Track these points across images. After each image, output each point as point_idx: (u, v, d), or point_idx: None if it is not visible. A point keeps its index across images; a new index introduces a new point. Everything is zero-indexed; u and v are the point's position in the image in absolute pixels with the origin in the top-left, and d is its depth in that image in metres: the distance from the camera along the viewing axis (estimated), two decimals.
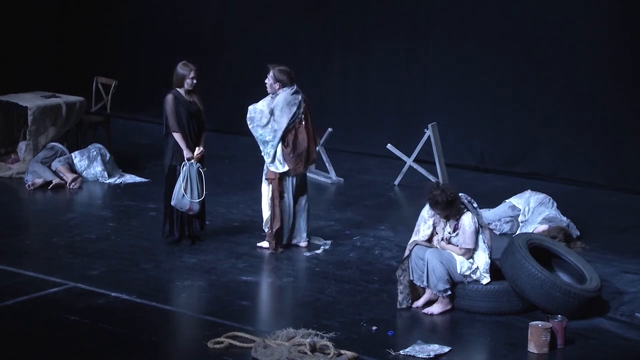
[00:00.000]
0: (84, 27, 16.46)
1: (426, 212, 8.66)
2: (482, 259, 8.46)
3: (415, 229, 8.73)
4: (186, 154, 9.84)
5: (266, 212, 9.99)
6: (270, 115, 9.79)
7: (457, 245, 8.47)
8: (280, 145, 9.78)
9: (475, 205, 8.59)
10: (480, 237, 8.48)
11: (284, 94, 9.83)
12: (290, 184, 9.93)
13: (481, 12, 13.20)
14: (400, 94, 13.96)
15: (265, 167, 9.95)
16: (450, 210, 8.46)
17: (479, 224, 8.46)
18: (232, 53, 15.12)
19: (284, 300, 9.07)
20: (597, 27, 12.47)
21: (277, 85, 9.86)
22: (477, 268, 8.45)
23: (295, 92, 9.89)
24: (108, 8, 16.30)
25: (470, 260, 8.46)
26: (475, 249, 8.46)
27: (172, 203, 9.86)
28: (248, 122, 9.89)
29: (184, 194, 9.80)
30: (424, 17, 13.67)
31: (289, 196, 9.94)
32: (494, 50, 13.16)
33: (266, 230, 10.02)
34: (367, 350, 7.64)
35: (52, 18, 16.46)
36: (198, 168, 9.89)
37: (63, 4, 16.58)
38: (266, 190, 9.98)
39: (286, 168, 9.82)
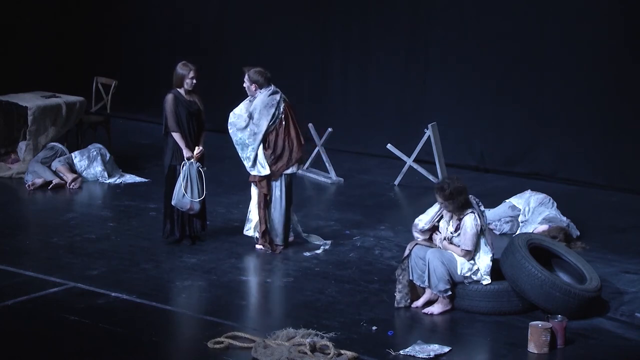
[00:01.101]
0: (84, 27, 16.46)
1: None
2: (484, 260, 8.45)
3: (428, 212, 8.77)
4: (186, 153, 9.85)
5: (255, 216, 10.00)
6: (249, 118, 9.79)
7: (458, 246, 8.47)
8: (261, 147, 9.78)
9: (482, 208, 8.60)
10: (483, 239, 8.48)
11: (261, 97, 9.82)
12: (280, 184, 9.91)
13: (481, 12, 13.20)
14: (400, 94, 13.96)
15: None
16: (451, 203, 8.42)
17: (481, 227, 8.46)
18: (232, 53, 15.11)
19: (284, 300, 9.07)
20: (597, 27, 12.47)
21: (253, 87, 9.86)
22: (478, 269, 8.45)
23: (273, 93, 9.86)
24: (108, 8, 16.30)
25: (471, 261, 8.46)
26: (476, 251, 8.45)
27: (173, 202, 9.86)
28: (228, 128, 9.90)
29: (185, 193, 9.80)
30: (424, 17, 13.66)
31: (281, 197, 9.92)
32: (494, 50, 13.16)
33: (256, 233, 10.03)
34: (367, 350, 7.64)
35: (52, 18, 16.46)
36: (198, 167, 9.89)
37: (63, 4, 16.58)
38: (255, 193, 9.98)
39: (268, 171, 9.81)
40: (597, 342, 8.01)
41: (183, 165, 9.84)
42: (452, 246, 8.48)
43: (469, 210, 8.46)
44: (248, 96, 9.99)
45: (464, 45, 13.37)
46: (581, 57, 12.61)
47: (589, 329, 8.23)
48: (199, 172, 9.89)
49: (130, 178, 12.57)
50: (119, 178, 12.51)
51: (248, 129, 9.79)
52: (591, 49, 12.53)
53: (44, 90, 13.47)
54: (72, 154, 12.52)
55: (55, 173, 12.22)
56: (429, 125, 12.41)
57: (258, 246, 10.03)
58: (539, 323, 7.80)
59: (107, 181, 12.42)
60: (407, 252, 8.62)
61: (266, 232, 9.92)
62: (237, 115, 9.86)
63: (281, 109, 9.83)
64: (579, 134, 12.72)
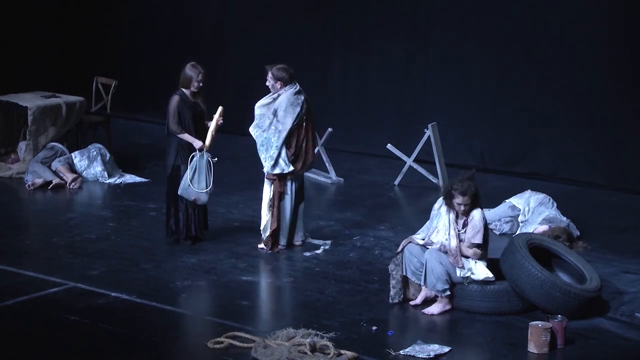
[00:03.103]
0: (84, 27, 16.46)
1: (444, 208, 8.60)
2: (482, 270, 8.43)
3: (428, 224, 8.70)
4: (197, 144, 9.76)
5: (265, 215, 9.95)
6: (273, 115, 9.73)
7: (463, 241, 8.43)
8: (283, 146, 9.74)
9: None
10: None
11: (287, 95, 9.76)
12: (291, 184, 9.90)
13: (481, 12, 13.20)
14: (400, 94, 13.96)
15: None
16: (468, 205, 8.41)
17: (486, 223, 8.47)
18: (232, 53, 15.12)
19: (284, 300, 9.07)
20: (597, 27, 12.47)
21: (278, 85, 9.77)
22: (475, 270, 8.42)
23: (298, 92, 9.82)
24: (108, 8, 16.31)
25: (467, 262, 8.41)
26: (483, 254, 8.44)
27: (179, 192, 9.77)
28: (253, 131, 9.78)
29: (190, 183, 9.72)
30: (424, 17, 13.67)
31: (291, 198, 9.91)
32: (494, 50, 13.16)
33: (264, 234, 9.98)
34: (367, 350, 7.64)
35: (52, 18, 16.46)
36: (208, 158, 9.81)
37: (63, 4, 16.58)
38: (267, 192, 9.94)
39: (291, 168, 9.77)
40: (597, 342, 8.01)
41: (193, 157, 9.77)
42: (467, 249, 8.43)
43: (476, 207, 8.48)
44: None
45: (464, 45, 13.37)
46: (581, 57, 12.61)
47: (589, 329, 8.22)
48: (208, 162, 9.81)
49: (130, 178, 12.56)
50: (119, 178, 12.51)
51: (272, 127, 9.71)
52: (591, 49, 12.53)
53: (44, 90, 13.47)
54: (72, 154, 12.52)
55: (55, 173, 12.22)
56: (429, 125, 12.41)
57: (260, 245, 10.01)
58: (539, 323, 7.79)
59: (107, 181, 12.42)
60: (400, 247, 8.62)
61: (277, 230, 9.89)
62: (260, 115, 9.77)
63: (304, 110, 9.79)
64: (579, 134, 12.72)
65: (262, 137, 9.76)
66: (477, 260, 8.42)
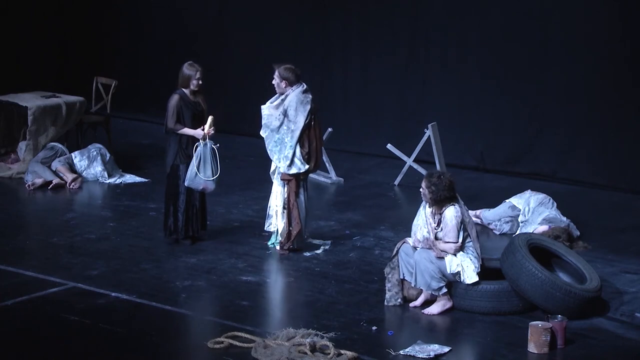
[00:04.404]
0: (84, 27, 16.46)
1: (423, 205, 8.65)
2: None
3: (414, 222, 8.74)
4: (198, 134, 9.71)
5: (282, 220, 9.80)
6: (282, 116, 9.67)
7: (441, 240, 8.43)
8: (297, 145, 9.65)
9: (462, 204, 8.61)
10: (465, 236, 8.44)
11: (295, 93, 9.68)
12: (304, 185, 9.85)
13: (481, 12, 13.20)
14: (400, 94, 13.96)
15: (277, 170, 9.80)
16: (431, 192, 8.38)
17: (462, 219, 8.42)
18: (232, 53, 15.11)
19: (284, 300, 9.08)
20: (597, 27, 12.47)
21: (283, 84, 9.71)
22: (463, 270, 8.42)
23: (306, 91, 9.78)
24: (108, 8, 16.31)
25: (460, 258, 8.41)
26: (461, 247, 8.42)
27: (186, 183, 9.74)
28: (263, 132, 9.72)
29: (197, 172, 9.69)
30: (424, 18, 13.66)
31: (305, 196, 9.85)
32: (494, 50, 13.16)
33: (283, 238, 9.84)
34: (367, 350, 7.64)
35: (52, 18, 16.46)
36: (211, 146, 9.76)
37: (63, 5, 16.57)
38: (281, 194, 9.80)
39: (307, 167, 9.69)
40: (597, 342, 8.01)
41: (196, 147, 9.73)
42: (442, 244, 8.43)
43: (450, 204, 8.44)
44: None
45: (464, 45, 13.36)
46: (581, 57, 12.61)
47: (589, 329, 8.22)
48: (212, 150, 9.76)
49: (130, 178, 12.56)
50: (119, 178, 12.52)
51: (284, 127, 9.63)
52: (591, 49, 12.53)
53: (44, 90, 13.47)
54: (72, 154, 12.52)
55: (55, 173, 12.22)
56: (429, 125, 12.41)
57: (281, 252, 9.86)
58: (539, 323, 7.80)
59: (107, 181, 12.42)
60: (395, 250, 8.62)
61: (301, 231, 9.82)
62: (267, 115, 9.69)
63: (312, 108, 9.75)
64: (579, 134, 12.72)
65: (274, 137, 9.68)
66: (471, 258, 8.41)
